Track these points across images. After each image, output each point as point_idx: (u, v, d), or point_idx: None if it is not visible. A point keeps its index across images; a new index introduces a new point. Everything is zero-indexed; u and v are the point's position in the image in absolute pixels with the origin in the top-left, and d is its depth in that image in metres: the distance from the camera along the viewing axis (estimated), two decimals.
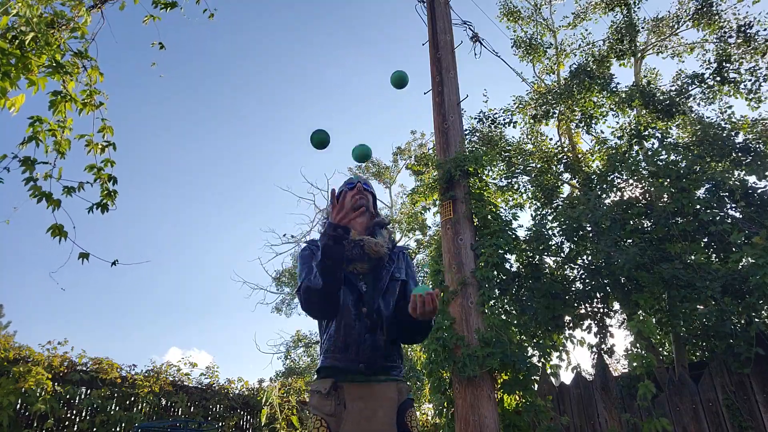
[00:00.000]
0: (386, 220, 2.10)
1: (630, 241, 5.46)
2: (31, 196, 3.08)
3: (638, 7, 8.87)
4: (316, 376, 1.85)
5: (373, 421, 1.67)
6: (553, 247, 5.95)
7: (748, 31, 7.48)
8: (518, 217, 5.91)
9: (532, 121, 8.56)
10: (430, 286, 1.64)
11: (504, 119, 8.36)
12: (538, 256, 5.93)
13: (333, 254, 1.68)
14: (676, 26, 9.80)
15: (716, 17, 8.52)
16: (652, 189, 5.56)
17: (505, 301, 5.68)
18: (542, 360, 5.16)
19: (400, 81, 2.17)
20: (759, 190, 5.11)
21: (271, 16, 29.62)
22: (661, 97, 7.30)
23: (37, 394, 5.34)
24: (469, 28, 7.46)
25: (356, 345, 1.76)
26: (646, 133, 7.04)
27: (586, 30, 10.28)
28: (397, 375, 1.82)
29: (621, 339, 14.20)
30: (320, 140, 2.00)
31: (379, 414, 1.69)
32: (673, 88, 7.58)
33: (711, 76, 7.37)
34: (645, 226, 5.64)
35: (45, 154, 3.16)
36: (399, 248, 2.04)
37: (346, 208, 1.69)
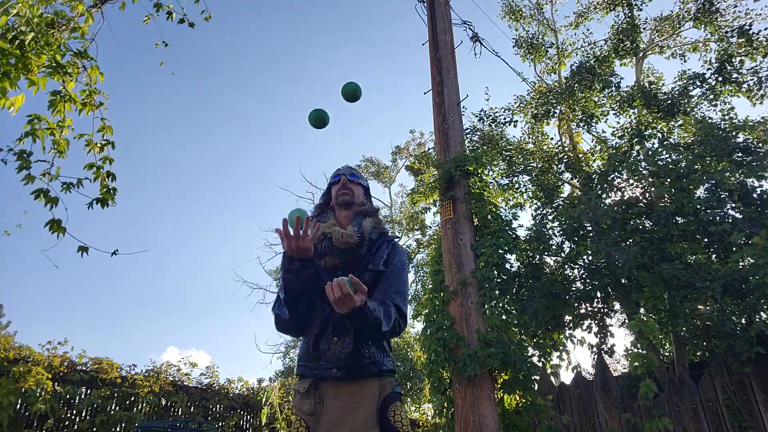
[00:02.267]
0: (373, 208, 1.98)
1: (630, 241, 5.46)
2: (32, 195, 3.07)
3: (641, 9, 8.85)
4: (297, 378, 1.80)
5: (351, 419, 1.61)
6: (554, 247, 5.95)
7: (749, 30, 7.47)
8: (518, 216, 5.92)
9: (533, 120, 8.57)
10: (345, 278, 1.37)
11: (505, 118, 8.36)
12: (538, 256, 5.93)
13: (294, 286, 1.64)
14: (678, 26, 9.79)
15: (717, 16, 8.49)
16: (653, 189, 5.56)
17: (506, 301, 5.68)
18: (542, 360, 5.16)
19: (352, 94, 2.00)
20: (759, 190, 5.11)
21: (271, 16, 29.64)
22: (662, 97, 7.30)
23: (37, 394, 5.34)
24: (469, 28, 7.46)
25: (327, 351, 1.69)
26: (648, 132, 7.03)
27: (588, 30, 10.28)
28: (375, 369, 1.69)
29: (621, 339, 14.16)
30: (317, 117, 1.95)
31: (359, 412, 1.62)
32: (675, 88, 7.58)
33: (712, 76, 7.37)
34: (645, 226, 5.64)
35: (42, 151, 3.16)
36: (388, 238, 1.91)
37: (296, 236, 1.56)
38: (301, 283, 1.63)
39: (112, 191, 3.41)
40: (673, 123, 7.45)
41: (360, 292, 1.42)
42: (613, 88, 7.63)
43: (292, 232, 1.57)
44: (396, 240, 1.95)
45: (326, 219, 1.90)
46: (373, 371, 1.69)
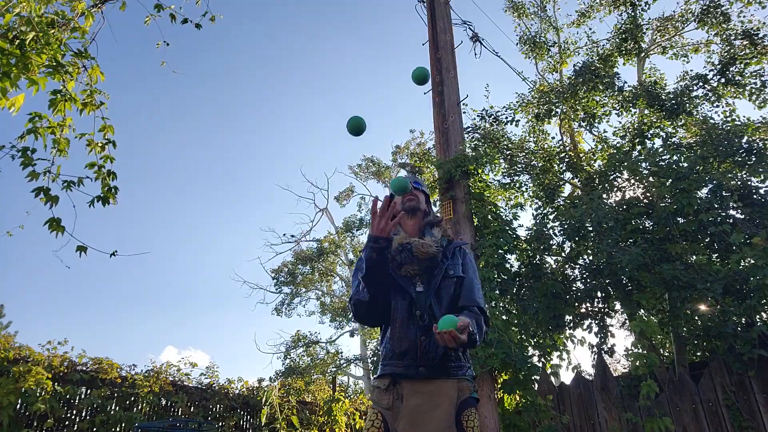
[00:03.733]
0: (437, 218, 2.07)
1: (631, 241, 5.45)
2: (33, 193, 3.08)
3: (644, 10, 8.85)
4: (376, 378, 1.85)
5: (428, 418, 1.64)
6: (554, 247, 5.95)
7: (754, 35, 7.46)
8: (519, 216, 5.92)
9: (534, 120, 8.57)
10: (457, 320, 1.48)
11: (506, 118, 8.36)
12: (538, 256, 5.93)
13: (376, 265, 1.72)
14: (681, 26, 9.79)
15: (722, 17, 8.48)
16: (653, 189, 5.56)
17: (506, 301, 5.67)
18: (542, 360, 5.16)
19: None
20: (762, 190, 5.10)
21: (272, 16, 29.65)
22: (664, 98, 7.29)
23: (37, 394, 5.34)
24: (469, 28, 7.45)
25: (414, 350, 1.74)
26: (650, 132, 7.02)
27: (590, 29, 10.30)
28: (459, 373, 1.76)
29: (621, 339, 14.14)
30: (356, 126, 1.98)
31: (436, 412, 1.66)
32: (677, 88, 7.58)
33: (714, 78, 7.37)
34: (646, 226, 5.64)
35: (44, 149, 3.17)
36: (456, 244, 2.00)
37: (385, 217, 1.70)
38: (383, 263, 1.74)
39: (113, 190, 3.41)
40: (676, 123, 7.45)
41: (464, 329, 1.50)
42: (616, 89, 7.63)
43: (382, 212, 1.71)
44: (465, 245, 2.05)
45: (397, 231, 1.97)
46: (458, 375, 1.76)
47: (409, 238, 1.93)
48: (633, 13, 8.79)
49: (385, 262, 1.75)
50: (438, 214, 2.15)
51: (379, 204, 1.73)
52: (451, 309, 1.82)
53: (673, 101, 7.15)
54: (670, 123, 7.39)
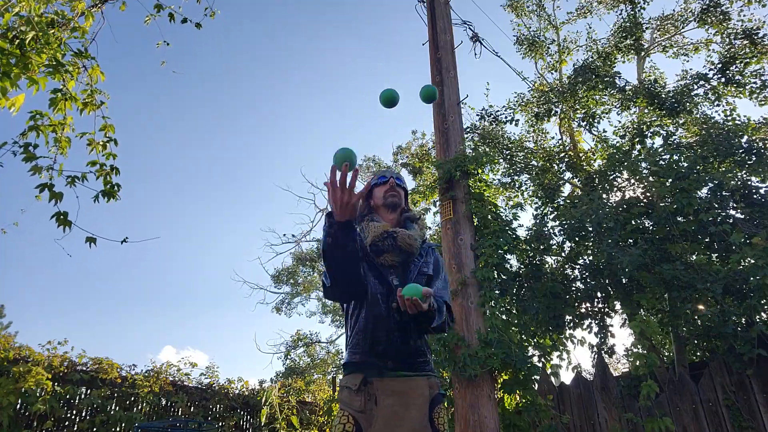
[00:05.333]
0: (416, 215, 2.05)
1: (631, 241, 5.45)
2: (38, 190, 3.07)
3: (643, 8, 8.84)
4: (343, 371, 1.79)
5: (405, 418, 1.61)
6: (554, 247, 5.94)
7: (754, 34, 7.46)
8: (518, 216, 5.90)
9: (534, 119, 8.57)
10: (421, 288, 1.48)
11: (505, 117, 8.35)
12: (538, 256, 5.92)
13: (333, 251, 1.59)
14: (681, 25, 9.80)
15: (722, 17, 8.48)
16: (653, 189, 5.56)
17: (506, 300, 5.67)
18: (542, 360, 5.15)
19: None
20: (762, 190, 5.10)
21: (272, 16, 29.62)
22: (664, 96, 7.29)
23: (37, 394, 5.34)
24: (469, 28, 7.45)
25: (385, 342, 1.71)
26: (650, 132, 7.02)
27: (590, 26, 10.29)
28: (427, 369, 1.76)
29: (622, 339, 14.12)
30: (388, 98, 1.95)
31: (412, 412, 1.63)
32: (678, 87, 7.58)
33: (714, 77, 7.37)
34: (646, 226, 5.63)
35: (46, 146, 3.17)
36: (429, 245, 2.01)
37: (344, 186, 1.50)
38: (342, 255, 1.60)
39: (116, 187, 3.42)
40: (676, 122, 7.45)
41: (427, 297, 1.53)
42: (617, 88, 7.63)
43: (338, 182, 1.51)
44: (437, 247, 2.08)
45: (378, 220, 1.95)
46: (427, 369, 1.76)
47: (393, 227, 1.91)
48: (632, 11, 8.79)
49: (343, 248, 1.59)
50: (414, 211, 2.13)
51: (338, 174, 1.52)
52: None
53: (673, 100, 7.15)
54: (670, 122, 7.39)
